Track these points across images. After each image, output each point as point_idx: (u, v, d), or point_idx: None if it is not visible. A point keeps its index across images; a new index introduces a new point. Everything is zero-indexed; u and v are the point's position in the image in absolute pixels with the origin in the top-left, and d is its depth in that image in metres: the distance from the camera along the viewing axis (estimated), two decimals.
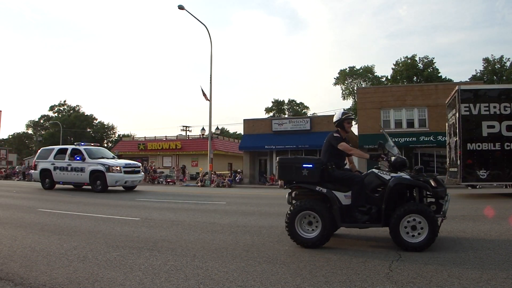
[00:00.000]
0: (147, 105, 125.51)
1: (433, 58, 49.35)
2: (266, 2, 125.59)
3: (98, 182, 15.38)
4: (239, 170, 30.62)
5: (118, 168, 15.57)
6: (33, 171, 18.34)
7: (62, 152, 17.21)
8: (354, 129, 40.73)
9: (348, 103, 62.21)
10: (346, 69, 58.57)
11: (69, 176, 16.28)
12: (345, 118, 5.70)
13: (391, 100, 27.03)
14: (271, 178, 27.31)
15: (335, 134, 5.58)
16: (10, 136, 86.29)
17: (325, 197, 5.09)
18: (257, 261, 4.38)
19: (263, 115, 64.49)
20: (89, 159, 15.92)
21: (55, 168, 16.63)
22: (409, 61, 48.84)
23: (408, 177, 4.97)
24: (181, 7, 24.39)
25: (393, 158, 5.24)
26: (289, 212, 5.10)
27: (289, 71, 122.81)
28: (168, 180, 28.75)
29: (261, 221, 7.55)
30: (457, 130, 12.30)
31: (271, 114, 64.98)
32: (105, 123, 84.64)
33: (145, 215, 8.53)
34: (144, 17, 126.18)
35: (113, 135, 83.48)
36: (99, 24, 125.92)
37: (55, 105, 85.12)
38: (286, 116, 60.93)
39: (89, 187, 16.12)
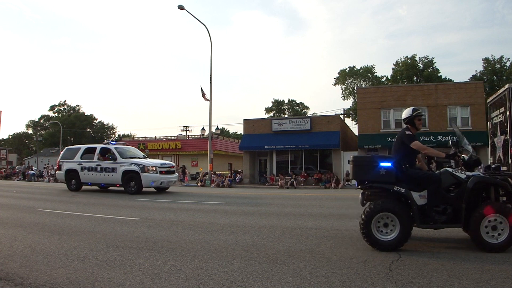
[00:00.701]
0: (147, 105, 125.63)
1: (433, 58, 49.43)
2: (266, 2, 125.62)
3: (132, 183, 14.45)
4: (240, 170, 30.63)
5: (154, 168, 14.68)
6: (57, 171, 17.24)
7: (89, 151, 16.24)
8: (354, 129, 40.89)
9: (348, 103, 62.29)
10: (346, 69, 58.59)
11: (99, 177, 15.29)
12: (416, 115, 5.36)
13: (391, 100, 27.05)
14: (271, 178, 27.33)
15: (407, 132, 5.24)
16: (10, 136, 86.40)
17: (401, 198, 4.90)
18: (257, 261, 4.38)
19: (263, 115, 64.61)
20: (121, 158, 14.95)
21: (82, 169, 15.64)
22: (409, 61, 48.83)
23: (487, 176, 4.80)
24: (181, 7, 24.39)
25: (462, 156, 5.03)
26: (364, 214, 4.87)
27: (289, 71, 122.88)
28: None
29: (261, 221, 7.55)
30: (507, 129, 12.17)
31: (271, 114, 65.02)
32: (105, 123, 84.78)
33: (145, 215, 8.53)
34: (144, 17, 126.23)
35: (113, 135, 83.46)
36: (99, 24, 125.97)
37: (55, 105, 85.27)
38: (286, 116, 60.96)
39: (118, 188, 15.36)
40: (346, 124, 36.43)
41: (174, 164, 18.22)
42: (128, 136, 66.87)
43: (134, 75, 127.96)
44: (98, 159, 15.47)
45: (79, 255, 4.73)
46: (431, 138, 25.18)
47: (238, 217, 8.11)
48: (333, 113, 36.75)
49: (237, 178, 27.64)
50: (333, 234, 6.00)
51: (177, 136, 43.92)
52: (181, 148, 40.07)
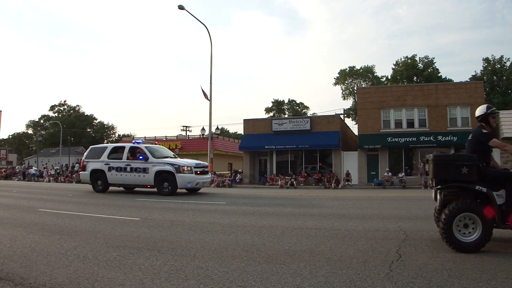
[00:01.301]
0: (147, 105, 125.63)
1: (433, 58, 49.42)
2: (266, 2, 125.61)
3: (165, 184, 13.81)
4: (240, 170, 30.64)
5: (189, 168, 13.92)
6: (81, 172, 16.36)
7: (117, 150, 15.50)
8: (354, 129, 40.88)
9: (348, 103, 62.33)
10: (346, 69, 58.64)
11: (128, 177, 14.53)
12: (490, 113, 5.20)
13: (391, 100, 27.04)
14: (271, 178, 27.33)
15: (483, 131, 5.06)
16: (10, 136, 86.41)
17: (480, 197, 4.80)
18: (257, 261, 4.38)
19: (263, 115, 64.66)
20: (153, 158, 14.23)
21: (110, 169, 14.86)
22: (409, 61, 48.84)
23: None
24: (181, 7, 24.39)
25: None
26: (445, 214, 4.71)
27: (289, 71, 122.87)
28: None
29: (261, 221, 7.55)
30: None
31: (271, 114, 65.03)
32: (105, 123, 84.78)
33: (145, 215, 8.53)
34: (144, 17, 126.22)
35: (113, 135, 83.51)
36: (99, 24, 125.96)
37: (55, 105, 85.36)
38: (286, 116, 60.96)
39: (148, 189, 14.79)
40: (346, 124, 36.42)
41: (207, 164, 17.67)
42: (128, 136, 66.83)
43: (134, 75, 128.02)
44: (128, 158, 14.72)
45: (79, 255, 4.73)
46: (431, 138, 25.19)
47: (238, 217, 8.11)
48: (333, 113, 36.75)
49: (237, 178, 27.64)
50: (333, 234, 6.00)
51: (177, 136, 43.92)
52: (181, 148, 40.03)
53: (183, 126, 49.88)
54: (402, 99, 26.77)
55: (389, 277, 3.71)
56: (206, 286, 3.54)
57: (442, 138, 25.08)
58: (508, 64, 45.81)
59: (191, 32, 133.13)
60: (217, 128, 34.01)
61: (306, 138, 27.26)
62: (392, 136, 26.00)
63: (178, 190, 14.09)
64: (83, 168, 15.99)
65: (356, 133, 30.74)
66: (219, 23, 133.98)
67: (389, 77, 52.44)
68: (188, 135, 45.57)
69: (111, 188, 15.85)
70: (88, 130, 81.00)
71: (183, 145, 40.15)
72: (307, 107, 68.52)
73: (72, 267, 4.21)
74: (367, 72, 57.79)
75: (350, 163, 26.91)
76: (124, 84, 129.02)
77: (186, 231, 6.49)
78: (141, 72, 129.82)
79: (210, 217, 8.04)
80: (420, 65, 48.94)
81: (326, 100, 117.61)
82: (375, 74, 58.14)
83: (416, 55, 51.45)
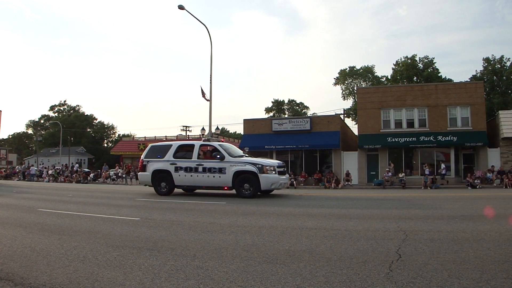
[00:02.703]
0: (147, 105, 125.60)
1: (433, 58, 49.38)
2: (266, 2, 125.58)
3: (246, 185, 12.68)
4: None
5: (273, 168, 12.87)
6: (140, 173, 14.83)
7: (185, 149, 14.30)
8: (354, 129, 40.87)
9: (348, 103, 62.34)
10: (346, 69, 58.64)
11: (200, 178, 13.27)
12: None
13: (391, 100, 27.04)
14: None
15: None
16: (10, 136, 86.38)
17: None
18: (257, 261, 4.38)
19: (263, 115, 64.65)
20: (230, 157, 13.08)
21: (177, 169, 13.56)
22: (409, 61, 48.82)
23: None
24: (181, 7, 24.38)
25: None
26: None
27: (289, 71, 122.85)
28: None
29: (261, 221, 7.55)
30: None
31: (271, 114, 65.03)
32: (105, 123, 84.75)
33: (145, 215, 8.53)
34: (144, 17, 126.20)
35: (113, 135, 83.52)
36: (100, 24, 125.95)
37: (55, 105, 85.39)
38: (286, 116, 60.96)
39: (218, 192, 13.91)
40: (346, 124, 36.42)
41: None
42: (128, 136, 66.86)
43: (134, 75, 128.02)
44: (198, 157, 13.56)
45: (79, 255, 4.73)
46: (431, 138, 25.19)
47: (238, 217, 8.11)
48: (333, 113, 36.77)
49: None
50: (333, 234, 6.00)
51: (177, 136, 43.94)
52: None
53: (183, 126, 49.95)
54: (402, 99, 26.77)
55: (389, 277, 3.71)
56: (206, 286, 3.54)
57: (442, 138, 25.07)
58: (508, 64, 45.78)
59: (191, 32, 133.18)
60: (217, 128, 33.96)
61: (306, 138, 27.26)
62: (392, 136, 26.00)
63: (176, 190, 13.99)
64: (143, 169, 14.50)
65: (356, 133, 30.73)
66: (219, 23, 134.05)
67: (389, 77, 52.43)
68: (188, 135, 45.60)
69: (107, 187, 15.81)
70: (88, 130, 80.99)
71: None
72: (307, 107, 68.57)
73: (72, 267, 4.21)
74: (367, 72, 57.78)
75: (350, 163, 26.92)
76: (124, 84, 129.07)
77: (186, 231, 6.49)
78: (141, 72, 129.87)
79: (210, 217, 8.04)
80: (420, 65, 48.92)
81: (326, 100, 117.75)
82: (375, 74, 58.16)
83: (416, 55, 51.51)
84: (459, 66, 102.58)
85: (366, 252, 4.74)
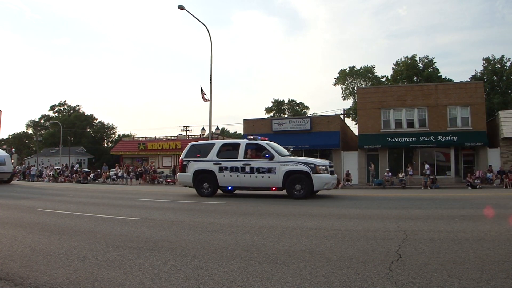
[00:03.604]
0: (147, 105, 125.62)
1: (433, 58, 49.37)
2: (266, 2, 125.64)
3: (297, 186, 12.18)
4: None
5: (325, 167, 12.42)
6: (180, 173, 14.22)
7: (229, 148, 13.79)
8: (354, 129, 40.87)
9: (348, 103, 62.30)
10: (346, 69, 58.64)
11: (247, 179, 12.72)
12: None
13: (391, 100, 27.05)
14: None
15: None
16: (10, 136, 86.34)
17: None
18: (257, 261, 4.38)
19: (263, 115, 64.64)
20: (279, 156, 12.59)
21: (221, 169, 13.03)
22: (409, 61, 48.82)
23: None
24: (181, 7, 24.38)
25: None
26: None
27: (289, 71, 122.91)
28: (168, 180, 28.79)
29: (261, 221, 7.55)
30: None
31: (271, 114, 65.02)
32: (105, 123, 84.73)
33: (145, 215, 8.53)
34: (144, 17, 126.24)
35: (113, 135, 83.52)
36: (99, 24, 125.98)
37: (55, 105, 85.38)
38: (286, 116, 60.96)
39: (260, 192, 13.38)
40: (346, 124, 36.42)
41: None
42: (128, 136, 66.85)
43: (134, 75, 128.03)
44: (245, 157, 12.96)
45: (79, 255, 4.73)
46: (431, 138, 25.19)
47: (238, 217, 8.11)
48: (333, 113, 36.77)
49: None
50: (333, 234, 6.00)
51: (177, 136, 43.96)
52: (181, 148, 39.93)
53: (183, 126, 49.94)
54: (402, 99, 26.77)
55: (389, 277, 3.71)
56: (206, 286, 3.54)
57: (442, 138, 25.07)
58: (508, 64, 45.76)
59: (191, 32, 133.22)
60: (217, 128, 33.99)
61: (306, 138, 27.26)
62: (392, 136, 26.00)
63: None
64: (183, 169, 13.86)
65: (356, 133, 30.73)
66: (219, 23, 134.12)
67: (389, 77, 52.43)
68: (188, 135, 45.58)
69: (107, 187, 15.80)
70: (88, 130, 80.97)
71: (183, 145, 40.10)
72: (307, 107, 68.53)
73: (72, 267, 4.21)
74: (367, 72, 57.78)
75: (350, 163, 26.92)
76: (124, 84, 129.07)
77: (186, 231, 6.49)
78: (141, 72, 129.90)
79: (210, 217, 8.04)
80: (420, 65, 48.92)
81: (326, 100, 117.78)
82: (375, 74, 58.15)
83: (416, 55, 51.47)
84: (459, 66, 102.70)
85: (366, 252, 4.74)
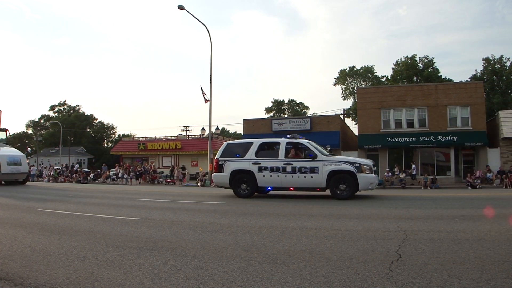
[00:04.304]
0: (147, 105, 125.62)
1: (433, 58, 49.37)
2: (266, 2, 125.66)
3: (341, 186, 11.81)
4: None
5: (369, 167, 12.11)
6: (216, 173, 13.63)
7: (269, 147, 13.35)
8: (354, 129, 40.87)
9: (348, 103, 62.33)
10: (346, 69, 58.67)
11: (288, 179, 12.28)
12: None
13: (391, 100, 27.05)
14: None
15: None
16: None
17: None
18: (257, 261, 4.38)
19: (263, 115, 64.66)
20: (322, 156, 12.21)
21: (261, 169, 12.53)
22: (409, 61, 48.81)
23: None
24: (181, 7, 24.39)
25: None
26: None
27: (289, 71, 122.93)
28: (168, 180, 28.79)
29: (261, 221, 7.55)
30: None
31: (271, 114, 65.03)
32: (105, 123, 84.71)
33: (145, 215, 8.53)
34: (144, 17, 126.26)
35: (113, 135, 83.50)
36: (99, 24, 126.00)
37: (55, 105, 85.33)
38: (286, 116, 60.96)
39: (298, 193, 13.00)
40: (346, 124, 36.43)
41: None
42: (128, 136, 66.85)
43: (134, 75, 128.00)
44: (285, 156, 12.52)
45: (79, 255, 4.73)
46: (431, 138, 25.20)
47: (238, 217, 8.11)
48: (333, 113, 36.78)
49: None
50: (333, 234, 6.00)
51: (177, 136, 43.96)
52: (181, 148, 40.05)
53: (183, 126, 50.02)
54: (402, 99, 26.77)
55: (389, 277, 3.71)
56: (206, 286, 3.54)
57: (442, 138, 25.08)
58: (508, 64, 45.76)
59: (191, 32, 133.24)
60: (217, 128, 33.97)
61: (306, 138, 27.24)
62: (392, 136, 26.00)
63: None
64: (218, 169, 13.35)
65: (356, 133, 30.73)
66: (219, 23, 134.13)
67: (389, 77, 52.43)
68: (188, 135, 45.62)
69: (107, 187, 15.82)
70: (88, 130, 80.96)
71: (183, 145, 40.17)
72: (307, 107, 68.58)
73: (72, 267, 4.21)
74: (367, 72, 57.80)
75: None
76: (124, 84, 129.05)
77: (186, 231, 6.49)
78: (141, 72, 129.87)
79: (210, 217, 8.04)
80: (420, 65, 48.91)
81: (326, 100, 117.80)
82: (375, 74, 58.17)
83: (416, 55, 51.48)
84: (459, 66, 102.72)
85: (366, 252, 4.74)
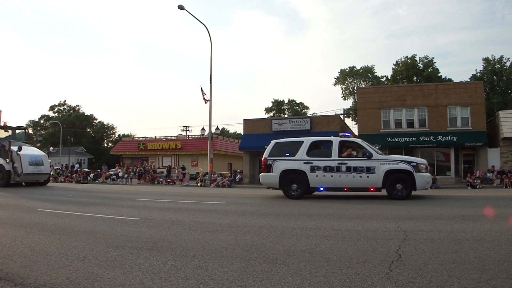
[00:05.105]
0: (147, 105, 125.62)
1: (433, 58, 49.39)
2: (266, 2, 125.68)
3: (398, 185, 11.52)
4: (238, 170, 30.62)
5: (425, 166, 11.87)
6: (264, 173, 13.01)
7: (320, 145, 13.11)
8: (354, 129, 40.84)
9: (348, 103, 62.37)
10: (346, 69, 58.67)
11: (343, 179, 11.89)
12: None
13: (391, 100, 27.06)
14: None
15: None
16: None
17: None
18: (257, 261, 4.38)
19: (263, 115, 64.68)
20: (378, 155, 11.97)
21: (313, 169, 12.10)
22: (409, 61, 48.83)
23: None
24: (181, 7, 24.40)
25: None
26: None
27: (289, 71, 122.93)
28: (168, 180, 28.79)
29: (261, 221, 7.55)
30: None
31: (271, 114, 65.04)
32: (105, 123, 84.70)
33: (145, 215, 8.53)
34: (144, 17, 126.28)
35: (113, 135, 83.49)
36: (99, 24, 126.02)
37: (55, 105, 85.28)
38: (286, 116, 60.97)
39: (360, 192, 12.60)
40: (346, 124, 36.43)
41: None
42: (128, 136, 66.85)
43: (134, 75, 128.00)
44: (339, 155, 12.15)
45: (79, 255, 4.73)
46: (431, 138, 25.21)
47: (238, 217, 8.11)
48: (333, 113, 36.80)
49: (237, 178, 27.65)
50: (333, 234, 6.00)
51: (177, 136, 43.99)
52: (181, 148, 40.06)
53: (183, 126, 50.04)
54: (402, 99, 26.78)
55: (389, 277, 3.71)
56: (206, 286, 3.54)
57: (442, 138, 25.08)
58: (508, 64, 45.77)
59: (191, 32, 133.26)
60: (217, 128, 34.00)
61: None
62: (392, 136, 26.01)
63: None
64: (267, 169, 12.82)
65: (356, 133, 30.71)
66: (219, 23, 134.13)
67: (389, 77, 52.43)
68: (188, 135, 45.64)
69: (107, 187, 15.83)
70: (88, 130, 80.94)
71: (183, 145, 40.17)
72: (307, 107, 68.60)
73: (72, 267, 4.21)
74: (367, 72, 57.79)
75: None
76: (124, 84, 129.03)
77: (186, 231, 6.49)
78: (141, 72, 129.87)
79: (210, 217, 8.04)
80: (420, 65, 48.92)
81: (326, 100, 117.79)
82: (375, 74, 58.17)
83: (416, 55, 51.49)
84: (459, 66, 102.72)
85: (366, 252, 4.74)
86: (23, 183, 20.37)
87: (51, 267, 4.20)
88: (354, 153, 12.33)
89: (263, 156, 13.29)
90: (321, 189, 12.39)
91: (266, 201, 12.08)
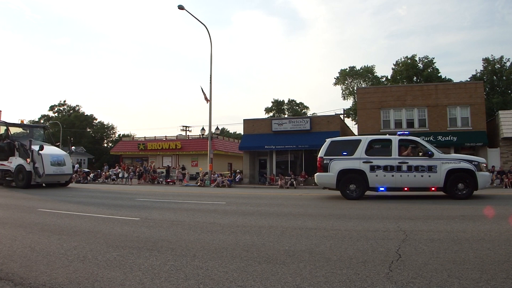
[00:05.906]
0: (147, 105, 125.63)
1: (433, 58, 49.38)
2: (266, 2, 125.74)
3: (460, 185, 11.37)
4: (238, 170, 30.63)
5: (485, 165, 11.94)
6: (319, 173, 12.56)
7: (380, 144, 12.83)
8: (354, 129, 40.87)
9: (348, 103, 62.43)
10: (346, 69, 58.65)
11: (404, 179, 11.60)
12: None
13: (391, 100, 27.07)
14: (271, 178, 27.33)
15: None
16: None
17: None
18: (257, 261, 4.38)
19: (263, 115, 64.66)
20: (439, 154, 11.74)
21: (373, 168, 11.78)
22: (409, 61, 48.83)
23: None
24: (181, 7, 24.41)
25: None
26: None
27: (289, 71, 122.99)
28: (168, 180, 28.79)
29: (261, 221, 7.55)
30: None
31: (271, 114, 65.04)
32: (105, 123, 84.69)
33: (145, 215, 8.53)
34: (144, 17, 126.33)
35: (113, 135, 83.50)
36: (99, 24, 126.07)
37: (55, 105, 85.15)
38: (286, 116, 60.98)
39: (429, 192, 12.14)
40: (346, 124, 36.43)
41: None
42: (128, 136, 66.88)
43: (134, 75, 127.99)
44: (399, 154, 11.86)
45: (79, 255, 4.73)
46: (431, 138, 25.19)
47: (238, 217, 8.11)
48: (333, 113, 36.78)
49: (237, 178, 27.66)
50: (333, 234, 6.00)
51: (177, 136, 43.97)
52: (181, 148, 40.06)
53: (183, 126, 50.04)
54: (402, 99, 26.79)
55: (389, 277, 3.71)
56: (206, 286, 3.54)
57: (442, 138, 25.09)
58: (508, 64, 45.81)
59: (191, 32, 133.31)
60: (217, 128, 33.99)
61: (306, 138, 27.27)
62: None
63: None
64: (323, 168, 12.39)
65: (356, 133, 30.72)
66: (219, 23, 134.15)
67: (389, 77, 52.45)
68: (188, 135, 45.63)
69: (107, 187, 15.83)
70: (88, 130, 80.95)
71: (183, 145, 40.17)
72: (307, 107, 68.54)
73: (72, 267, 4.21)
74: (367, 72, 57.78)
75: None
76: (124, 84, 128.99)
77: (186, 231, 6.49)
78: (141, 72, 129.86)
79: (210, 217, 8.04)
80: (420, 65, 48.94)
81: (326, 100, 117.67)
82: (375, 74, 58.16)
83: (416, 55, 51.49)
84: (459, 66, 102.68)
85: (366, 252, 4.74)
86: (43, 184, 19.45)
87: (51, 267, 4.20)
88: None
89: (319, 155, 12.74)
90: (381, 189, 12.00)
91: (266, 201, 12.09)
